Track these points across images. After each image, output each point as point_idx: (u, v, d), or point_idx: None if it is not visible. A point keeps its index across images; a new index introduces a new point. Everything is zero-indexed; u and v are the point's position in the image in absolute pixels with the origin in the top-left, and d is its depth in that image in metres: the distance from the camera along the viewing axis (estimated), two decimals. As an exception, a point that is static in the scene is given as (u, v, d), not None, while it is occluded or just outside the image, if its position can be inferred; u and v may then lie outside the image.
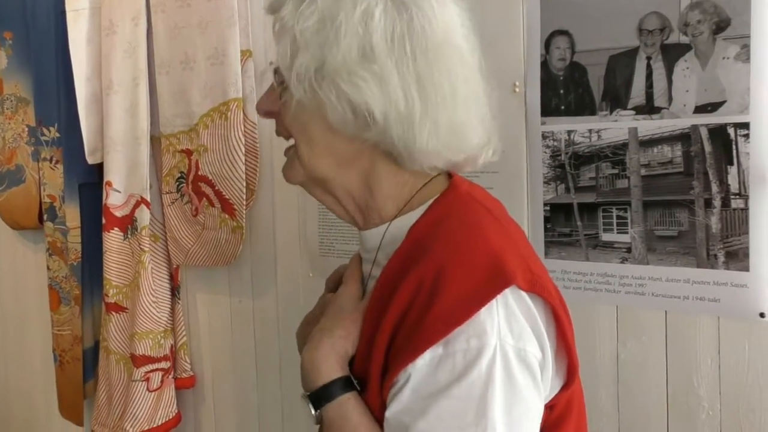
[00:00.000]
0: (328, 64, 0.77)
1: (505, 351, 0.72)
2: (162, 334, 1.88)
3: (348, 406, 0.78)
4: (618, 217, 1.28)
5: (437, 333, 0.72)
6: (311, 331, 0.85)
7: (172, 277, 1.93)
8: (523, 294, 0.75)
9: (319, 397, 0.79)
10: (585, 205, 1.31)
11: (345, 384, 0.79)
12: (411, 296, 0.75)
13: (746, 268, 1.17)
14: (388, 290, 0.78)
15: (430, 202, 0.84)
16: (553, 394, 0.80)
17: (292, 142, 0.86)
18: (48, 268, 2.13)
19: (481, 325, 0.71)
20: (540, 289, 0.76)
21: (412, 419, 0.72)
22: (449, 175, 0.88)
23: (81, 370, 2.06)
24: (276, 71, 0.83)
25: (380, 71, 0.76)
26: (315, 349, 0.81)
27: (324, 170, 0.83)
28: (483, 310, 0.72)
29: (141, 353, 1.86)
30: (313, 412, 0.79)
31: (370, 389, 0.78)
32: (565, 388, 0.82)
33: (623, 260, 1.28)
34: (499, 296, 0.73)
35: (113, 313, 1.92)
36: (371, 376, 0.77)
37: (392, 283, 0.78)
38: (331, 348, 0.81)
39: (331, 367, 0.80)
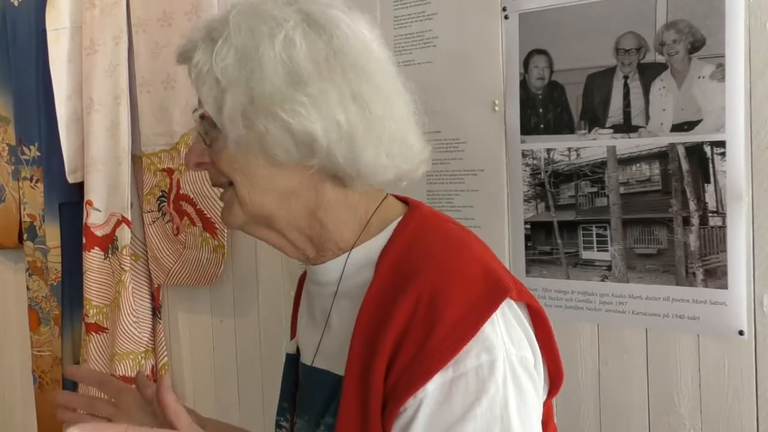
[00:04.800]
0: (259, 96, 0.76)
1: (511, 361, 0.73)
2: (143, 355, 1.85)
3: None
4: (598, 235, 1.28)
5: (447, 353, 0.71)
6: None
7: (154, 297, 1.91)
8: (513, 303, 0.77)
9: None
10: (565, 224, 1.31)
11: None
12: (405, 324, 0.73)
13: (725, 286, 1.17)
14: (376, 323, 0.76)
15: (393, 225, 0.83)
16: (544, 399, 0.81)
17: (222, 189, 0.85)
18: (28, 288, 2.10)
19: (488, 339, 0.72)
20: (528, 297, 0.79)
21: None
22: (398, 198, 0.88)
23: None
24: (202, 118, 0.82)
25: (316, 93, 0.75)
26: None
27: (267, 207, 0.81)
28: (486, 324, 0.72)
29: (121, 374, 1.83)
30: None
31: (370, 419, 0.74)
32: (550, 393, 0.83)
33: (603, 278, 1.28)
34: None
35: (93, 333, 1.89)
36: (370, 407, 0.74)
37: (379, 314, 0.76)
38: None
39: None
